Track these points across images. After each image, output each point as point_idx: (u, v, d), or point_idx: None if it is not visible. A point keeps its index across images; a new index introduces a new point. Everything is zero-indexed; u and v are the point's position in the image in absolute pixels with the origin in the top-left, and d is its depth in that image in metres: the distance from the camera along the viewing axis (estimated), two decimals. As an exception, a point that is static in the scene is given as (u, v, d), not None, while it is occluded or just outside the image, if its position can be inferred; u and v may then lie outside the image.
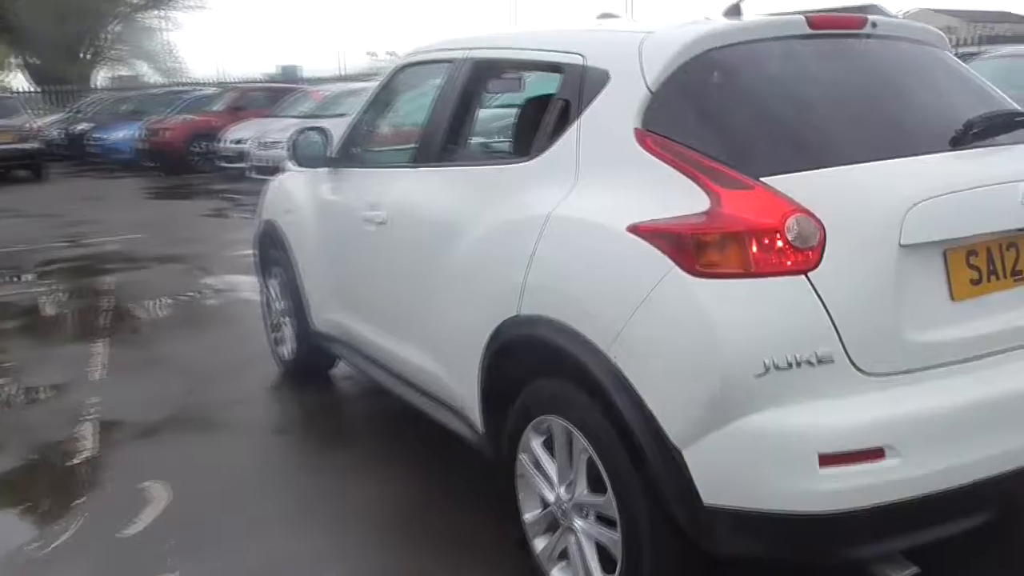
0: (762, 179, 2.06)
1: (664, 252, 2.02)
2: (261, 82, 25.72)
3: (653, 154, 2.21)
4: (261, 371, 4.75)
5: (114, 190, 15.09)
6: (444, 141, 3.07)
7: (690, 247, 1.99)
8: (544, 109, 2.65)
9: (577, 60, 2.55)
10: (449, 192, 2.93)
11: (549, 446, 2.43)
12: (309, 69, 32.98)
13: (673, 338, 2.00)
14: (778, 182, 2.05)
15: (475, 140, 3.39)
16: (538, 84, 2.97)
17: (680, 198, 2.09)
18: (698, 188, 2.09)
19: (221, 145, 15.17)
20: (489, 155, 3.28)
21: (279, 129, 13.11)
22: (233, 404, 4.32)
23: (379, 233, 3.30)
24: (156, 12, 35.02)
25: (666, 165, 2.18)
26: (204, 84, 26.51)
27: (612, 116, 2.37)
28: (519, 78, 3.11)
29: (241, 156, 14.28)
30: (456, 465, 3.34)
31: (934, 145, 2.27)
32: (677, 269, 1.99)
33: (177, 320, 6.15)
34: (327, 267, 3.95)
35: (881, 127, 2.30)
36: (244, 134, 14.55)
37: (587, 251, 2.24)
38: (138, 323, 6.15)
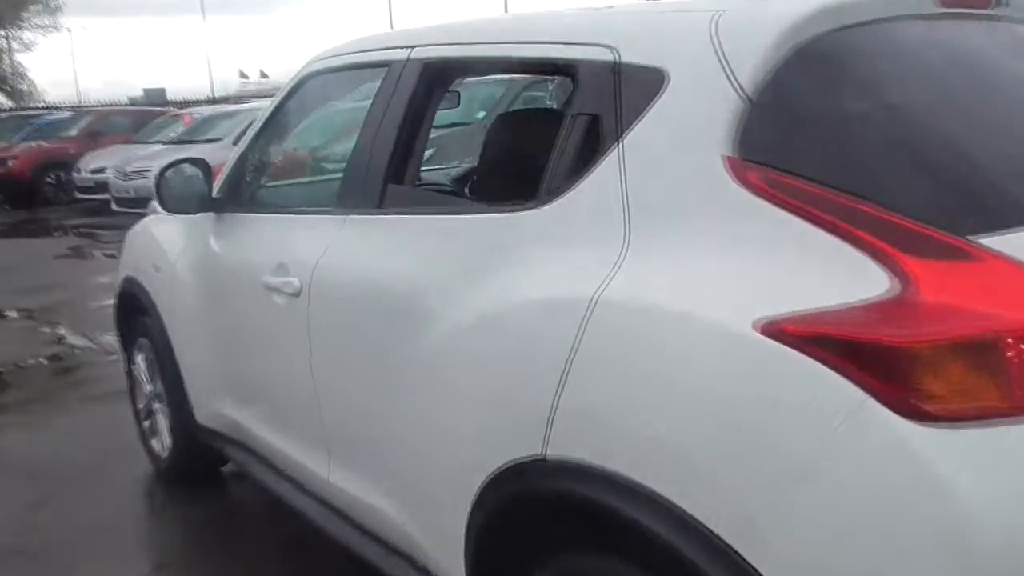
0: (972, 239, 1.24)
1: (844, 373, 1.16)
2: (123, 105, 23.90)
3: (768, 198, 1.37)
4: (132, 470, 3.65)
5: (-51, 229, 13.31)
6: (386, 177, 2.14)
7: (900, 366, 1.14)
8: (550, 129, 1.77)
9: (604, 56, 1.68)
10: (404, 253, 2.00)
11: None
12: (176, 92, 31.08)
13: (879, 531, 1.13)
14: (1003, 244, 1.23)
15: (436, 174, 2.48)
16: (529, 93, 2.07)
17: (835, 273, 1.26)
18: (863, 256, 1.25)
19: (78, 175, 13.85)
20: (464, 198, 2.30)
21: (144, 156, 12.13)
22: (92, 526, 3.21)
23: (291, 308, 2.32)
24: (1, 32, 32.40)
25: (796, 217, 1.33)
26: (59, 108, 24.38)
27: (679, 139, 1.52)
28: (474, 85, 2.21)
29: (102, 187, 12.95)
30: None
31: None
32: (874, 404, 1.14)
33: (17, 399, 4.88)
34: (214, 346, 2.94)
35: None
36: (105, 162, 13.27)
37: (679, 363, 1.35)
38: (-35, 405, 4.89)
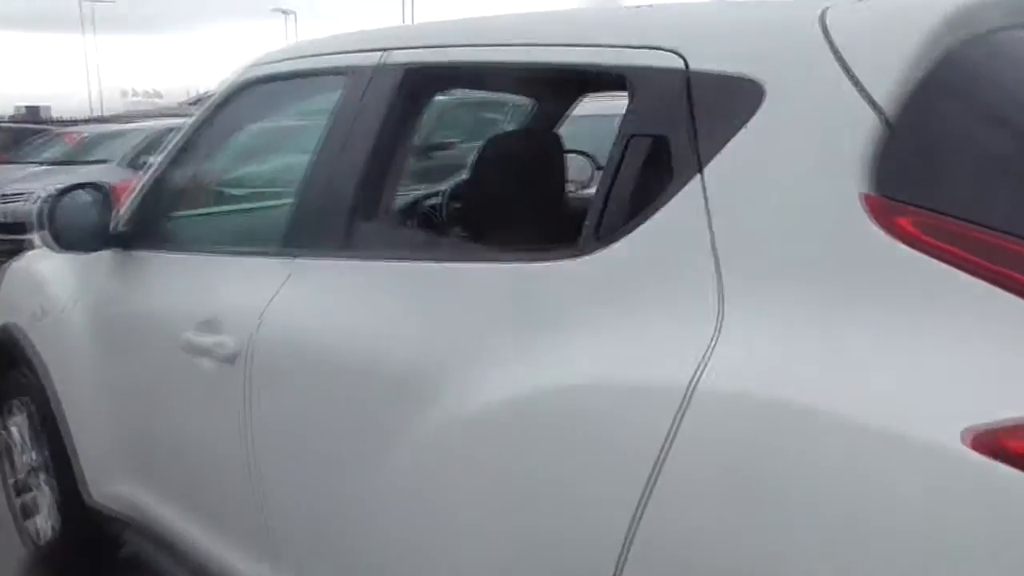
0: None
1: None
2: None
3: (936, 254, 1.00)
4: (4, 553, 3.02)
5: None
6: (353, 211, 1.69)
7: None
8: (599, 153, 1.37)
9: (665, 62, 1.29)
10: (384, 310, 1.55)
11: None
12: (56, 109, 29.48)
13: None
14: None
15: (425, 210, 2.02)
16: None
17: None
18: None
19: (-54, 198, 12.61)
20: (467, 240, 1.81)
21: (21, 178, 11.11)
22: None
23: (223, 376, 1.83)
24: None
25: (981, 280, 0.97)
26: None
27: (791, 170, 1.14)
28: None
29: (-29, 211, 11.86)
30: None
31: None
32: None
33: None
34: (114, 412, 2.40)
35: None
36: (-25, 184, 12.11)
37: (841, 486, 0.95)
38: None
